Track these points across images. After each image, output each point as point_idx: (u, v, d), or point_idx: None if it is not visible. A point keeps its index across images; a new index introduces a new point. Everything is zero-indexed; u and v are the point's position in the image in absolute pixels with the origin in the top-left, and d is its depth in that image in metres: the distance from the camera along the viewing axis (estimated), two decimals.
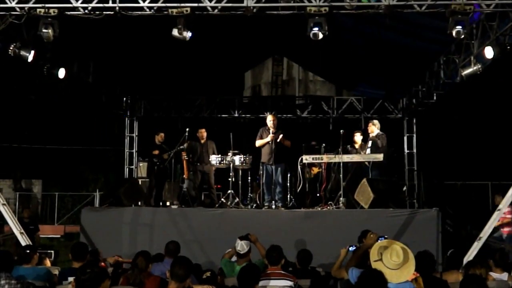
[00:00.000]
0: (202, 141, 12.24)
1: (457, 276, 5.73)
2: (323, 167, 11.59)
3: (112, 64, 13.03)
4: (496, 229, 12.08)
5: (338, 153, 11.21)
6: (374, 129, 11.67)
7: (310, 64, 15.94)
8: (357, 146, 11.87)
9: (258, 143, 11.26)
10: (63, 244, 14.16)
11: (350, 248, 6.12)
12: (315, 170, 12.02)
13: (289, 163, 11.32)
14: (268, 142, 11.08)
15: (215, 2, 8.67)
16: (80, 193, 20.11)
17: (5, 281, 5.08)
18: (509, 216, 11.90)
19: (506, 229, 11.97)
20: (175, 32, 8.88)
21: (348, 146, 11.84)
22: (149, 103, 16.15)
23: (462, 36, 9.19)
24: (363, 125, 13.88)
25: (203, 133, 12.31)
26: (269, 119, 11.24)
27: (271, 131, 11.06)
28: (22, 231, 9.23)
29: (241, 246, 7.03)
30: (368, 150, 11.43)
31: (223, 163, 11.58)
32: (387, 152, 11.52)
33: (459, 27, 8.82)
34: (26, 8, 8.87)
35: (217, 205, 11.32)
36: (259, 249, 7.26)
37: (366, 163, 11.35)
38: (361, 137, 11.88)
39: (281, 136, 11.06)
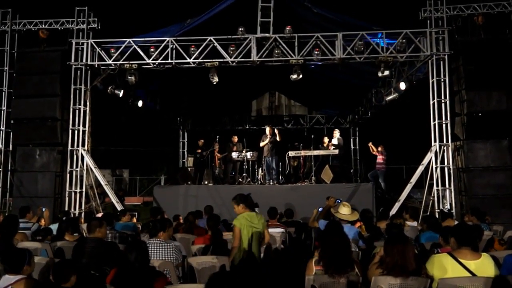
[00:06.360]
0: (234, 142, 12.07)
1: (385, 223, 5.70)
2: (301, 158, 11.55)
3: (171, 98, 13.06)
4: (373, 169, 12.00)
5: (310, 149, 11.16)
6: (337, 134, 11.59)
7: (292, 94, 15.95)
8: (325, 145, 11.75)
9: (261, 144, 11.21)
10: (142, 208, 14.09)
11: (319, 209, 6.12)
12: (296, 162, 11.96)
13: (281, 156, 11.27)
14: (267, 143, 11.04)
15: (234, 58, 8.70)
16: (152, 176, 20.06)
17: (108, 231, 5.12)
18: (381, 161, 11.71)
19: (378, 167, 11.83)
20: (211, 77, 8.95)
21: (320, 145, 11.76)
22: (194, 121, 16.12)
23: (386, 75, 9.24)
24: (325, 132, 13.81)
25: (235, 138, 12.18)
26: (267, 130, 11.22)
27: (268, 137, 11.05)
28: (118, 200, 9.26)
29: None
30: (332, 147, 11.34)
31: (240, 157, 11.52)
32: (344, 149, 11.48)
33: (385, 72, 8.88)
34: (118, 64, 8.94)
35: (236, 183, 11.27)
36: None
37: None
38: (328, 139, 11.79)
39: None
